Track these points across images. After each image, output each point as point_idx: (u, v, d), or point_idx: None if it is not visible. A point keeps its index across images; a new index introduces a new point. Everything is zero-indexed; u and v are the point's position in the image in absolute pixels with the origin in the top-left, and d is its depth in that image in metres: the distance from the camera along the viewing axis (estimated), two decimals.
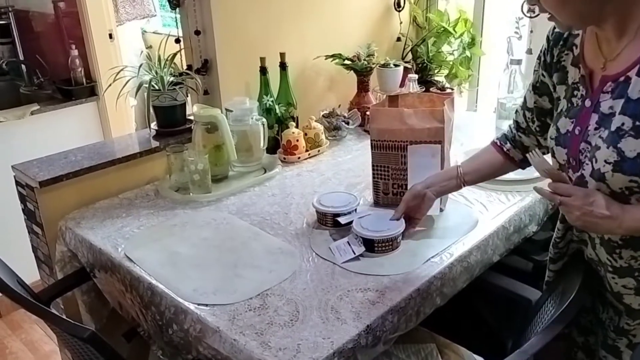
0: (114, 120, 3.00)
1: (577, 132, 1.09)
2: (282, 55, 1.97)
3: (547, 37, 1.19)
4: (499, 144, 1.38)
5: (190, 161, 1.66)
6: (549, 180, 1.09)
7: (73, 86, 2.91)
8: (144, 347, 1.43)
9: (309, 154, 1.96)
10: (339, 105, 2.20)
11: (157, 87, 1.83)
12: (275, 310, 1.17)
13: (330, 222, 1.47)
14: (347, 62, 2.18)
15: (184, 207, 1.64)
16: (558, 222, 1.26)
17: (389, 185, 1.56)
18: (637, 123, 0.97)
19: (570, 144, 1.11)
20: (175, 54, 1.90)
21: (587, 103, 1.07)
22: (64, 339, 1.34)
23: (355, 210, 1.49)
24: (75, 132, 2.87)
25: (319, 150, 1.98)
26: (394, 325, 1.18)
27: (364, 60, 2.18)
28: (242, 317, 1.15)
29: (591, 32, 1.08)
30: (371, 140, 1.53)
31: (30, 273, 1.83)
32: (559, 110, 1.16)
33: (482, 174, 1.40)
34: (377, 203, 1.60)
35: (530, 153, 1.11)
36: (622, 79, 1.00)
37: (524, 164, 1.36)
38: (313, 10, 2.15)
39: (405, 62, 2.37)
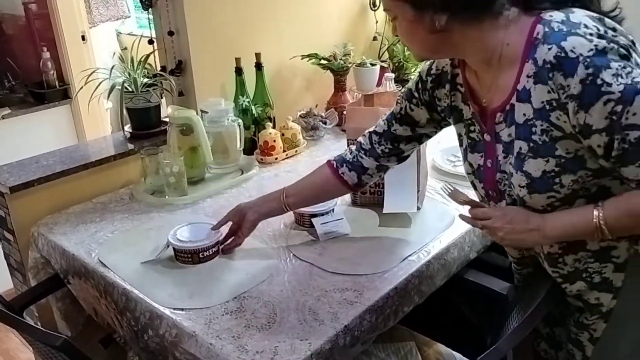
0: (88, 123, 2.96)
1: (489, 164, 1.11)
2: (258, 55, 1.95)
3: (421, 77, 1.21)
4: (335, 165, 1.35)
5: (165, 164, 1.64)
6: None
7: (45, 89, 2.86)
8: (121, 353, 1.41)
9: (287, 155, 1.95)
10: (316, 105, 2.20)
11: (130, 89, 1.81)
12: (252, 313, 1.16)
13: (307, 222, 1.47)
14: (323, 61, 2.18)
15: (160, 211, 1.62)
16: None
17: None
18: (531, 144, 0.98)
19: (485, 177, 1.13)
20: (148, 55, 1.87)
21: (487, 137, 1.09)
22: (37, 347, 1.31)
23: (333, 210, 1.49)
24: (49, 136, 2.83)
25: (296, 151, 1.97)
26: (372, 325, 1.18)
27: (341, 59, 2.17)
28: (218, 320, 1.14)
29: (470, 71, 1.10)
30: (347, 140, 1.53)
31: (2, 281, 1.79)
32: (463, 146, 1.18)
33: (306, 196, 1.39)
34: (354, 202, 1.60)
35: (443, 187, 1.21)
36: (508, 107, 1.02)
37: (358, 187, 1.37)
38: (288, 10, 2.14)
39: (382, 62, 2.38)
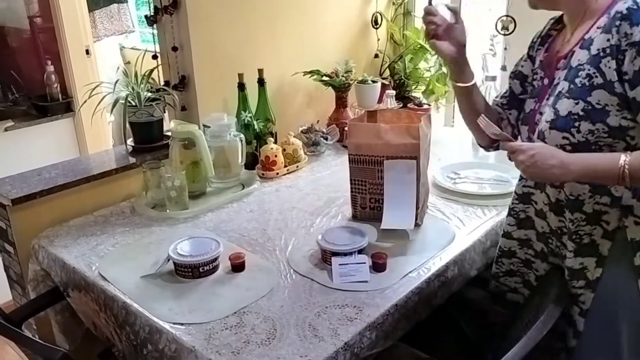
0: (90, 137, 2.97)
1: (536, 107, 1.25)
2: (260, 71, 1.97)
3: (537, 33, 1.35)
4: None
5: (167, 177, 1.65)
6: None
7: (49, 102, 2.88)
8: None
9: (288, 170, 1.95)
10: (318, 121, 2.21)
11: (133, 103, 1.82)
12: (252, 329, 1.15)
13: (329, 260, 1.36)
14: (325, 78, 2.19)
15: (161, 224, 1.62)
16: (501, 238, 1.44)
17: (367, 200, 1.56)
18: (572, 86, 1.12)
19: (530, 120, 1.26)
20: (152, 70, 1.89)
21: (545, 82, 1.24)
22: None
23: (357, 252, 1.35)
24: (51, 148, 2.84)
25: (297, 166, 1.98)
26: (372, 342, 1.17)
27: (342, 76, 2.19)
28: (218, 336, 1.14)
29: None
30: (349, 155, 1.54)
31: (1, 293, 1.79)
32: (527, 96, 1.32)
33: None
34: (355, 217, 1.60)
35: (479, 119, 1.24)
36: (570, 54, 1.17)
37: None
38: (291, 26, 2.16)
39: (383, 79, 2.40)
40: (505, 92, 1.43)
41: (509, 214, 1.41)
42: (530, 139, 1.25)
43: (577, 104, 1.10)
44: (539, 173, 1.13)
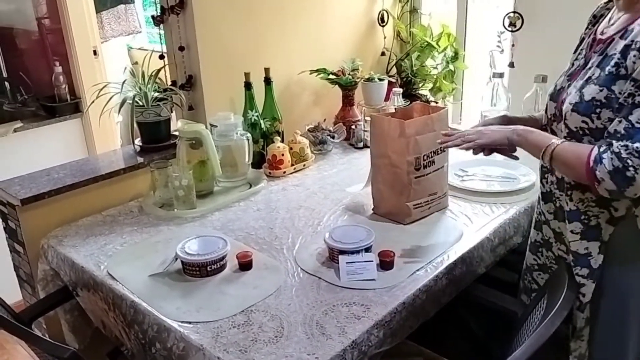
0: (98, 137, 2.99)
1: (565, 86, 1.25)
2: (267, 70, 1.97)
3: (592, 13, 1.34)
4: None
5: (174, 177, 1.65)
6: None
7: (57, 103, 2.90)
8: None
9: (295, 169, 1.95)
10: (324, 120, 2.21)
11: (140, 103, 1.83)
12: (259, 327, 1.16)
13: (336, 259, 1.35)
14: (331, 76, 2.19)
15: (168, 224, 1.63)
16: (532, 230, 1.41)
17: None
18: (601, 74, 1.12)
19: (559, 97, 1.26)
20: (159, 70, 1.89)
21: (582, 62, 1.24)
22: None
23: (364, 250, 1.35)
24: (59, 149, 2.86)
25: (304, 165, 1.98)
26: (380, 340, 1.17)
27: (349, 74, 2.19)
28: (226, 334, 1.14)
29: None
30: (370, 150, 1.57)
31: (12, 293, 1.80)
32: (562, 73, 1.32)
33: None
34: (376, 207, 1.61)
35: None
36: (608, 40, 1.16)
37: None
38: (297, 25, 2.16)
39: (390, 77, 2.39)
40: None
41: (547, 201, 1.35)
42: (555, 116, 1.26)
43: (601, 90, 1.11)
44: (490, 135, 1.27)
